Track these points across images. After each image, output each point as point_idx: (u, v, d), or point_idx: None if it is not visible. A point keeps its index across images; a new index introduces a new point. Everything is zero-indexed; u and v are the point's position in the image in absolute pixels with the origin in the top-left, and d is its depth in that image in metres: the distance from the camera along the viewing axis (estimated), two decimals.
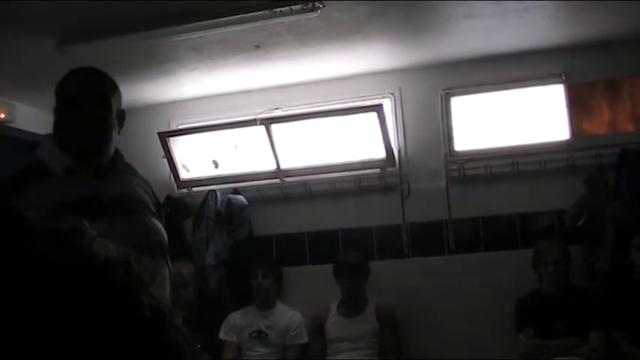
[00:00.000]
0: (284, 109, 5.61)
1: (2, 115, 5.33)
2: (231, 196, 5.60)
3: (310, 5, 3.93)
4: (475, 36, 4.78)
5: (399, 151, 5.45)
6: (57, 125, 2.75)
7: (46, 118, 5.75)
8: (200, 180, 5.74)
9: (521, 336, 4.71)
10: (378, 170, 5.48)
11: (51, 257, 0.91)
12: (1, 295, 0.90)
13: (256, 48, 4.75)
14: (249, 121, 5.43)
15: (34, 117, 5.70)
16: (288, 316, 5.35)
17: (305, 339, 5.32)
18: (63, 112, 2.73)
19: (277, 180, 5.69)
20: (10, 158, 4.60)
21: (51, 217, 0.97)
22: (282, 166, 5.62)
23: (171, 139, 5.63)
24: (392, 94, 5.53)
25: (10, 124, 5.45)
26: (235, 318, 5.34)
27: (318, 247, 5.61)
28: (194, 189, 5.77)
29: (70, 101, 2.72)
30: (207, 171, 5.73)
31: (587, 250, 4.76)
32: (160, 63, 4.97)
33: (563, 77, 5.17)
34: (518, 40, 4.92)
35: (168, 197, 5.58)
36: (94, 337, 0.95)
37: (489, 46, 5.01)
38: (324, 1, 3.94)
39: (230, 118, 5.63)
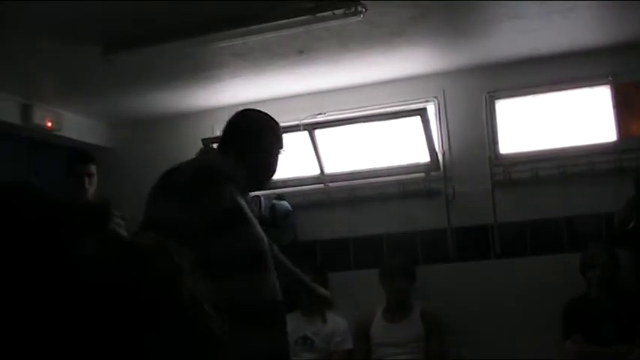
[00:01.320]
0: (327, 114, 5.61)
1: (50, 124, 5.42)
2: (275, 201, 5.61)
3: (353, 9, 3.92)
4: (519, 37, 4.73)
5: (444, 154, 5.43)
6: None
7: (92, 127, 5.90)
8: None
9: (569, 342, 4.65)
10: (422, 174, 5.46)
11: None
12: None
13: (300, 53, 4.76)
14: (293, 127, 5.44)
15: (80, 125, 5.79)
16: (333, 322, 5.35)
17: (350, 345, 5.31)
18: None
19: (321, 185, 5.69)
20: (58, 166, 4.68)
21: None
22: (326, 171, 5.62)
23: (215, 145, 5.64)
24: (436, 97, 5.50)
25: (58, 133, 5.54)
26: None
27: (363, 252, 5.60)
28: None
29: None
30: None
31: (637, 254, 4.67)
32: (204, 69, 5.01)
33: (610, 78, 5.10)
34: (563, 41, 4.86)
35: None
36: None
37: (534, 47, 4.97)
38: (367, 5, 3.93)
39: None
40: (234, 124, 3.12)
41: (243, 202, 2.88)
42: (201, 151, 3.23)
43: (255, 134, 3.05)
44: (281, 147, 3.16)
